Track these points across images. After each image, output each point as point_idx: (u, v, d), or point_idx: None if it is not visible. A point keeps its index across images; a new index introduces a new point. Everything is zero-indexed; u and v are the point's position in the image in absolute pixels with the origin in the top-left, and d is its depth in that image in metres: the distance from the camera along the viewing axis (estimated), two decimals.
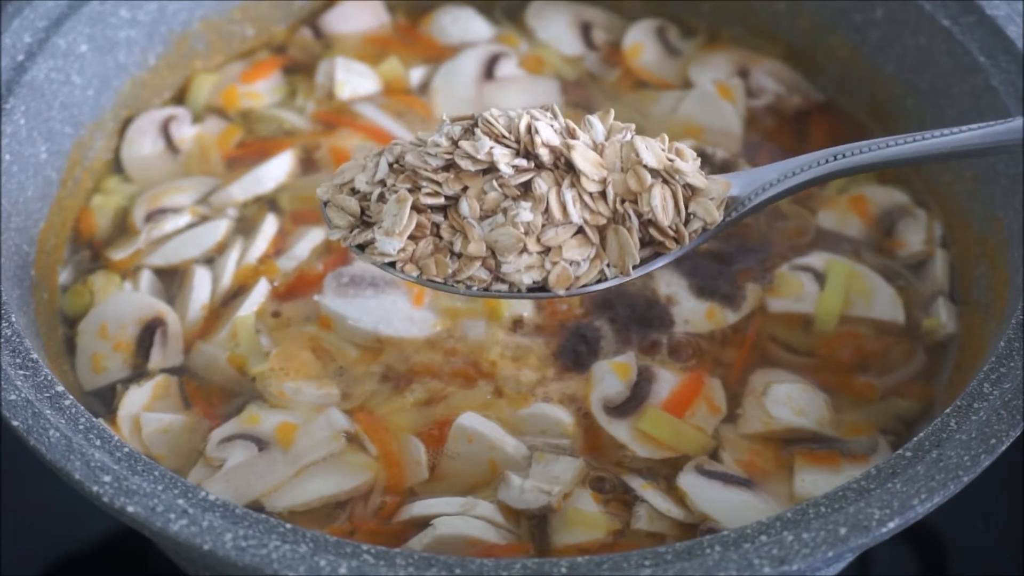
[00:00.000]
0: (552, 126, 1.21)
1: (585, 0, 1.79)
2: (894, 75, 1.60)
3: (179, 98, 1.69)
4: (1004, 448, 1.18)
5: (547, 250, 1.19)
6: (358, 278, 1.46)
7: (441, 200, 1.20)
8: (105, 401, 1.41)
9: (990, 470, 1.17)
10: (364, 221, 1.23)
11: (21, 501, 1.55)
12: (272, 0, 1.74)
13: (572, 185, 1.19)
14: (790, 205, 1.57)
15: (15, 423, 1.19)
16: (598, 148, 1.22)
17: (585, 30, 1.76)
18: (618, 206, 1.20)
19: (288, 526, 1.12)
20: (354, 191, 1.25)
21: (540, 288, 1.21)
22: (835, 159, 1.25)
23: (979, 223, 1.48)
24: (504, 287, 1.21)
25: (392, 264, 1.22)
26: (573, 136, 1.22)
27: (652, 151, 1.21)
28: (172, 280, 1.51)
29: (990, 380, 1.23)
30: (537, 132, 1.20)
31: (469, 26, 1.76)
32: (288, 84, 1.71)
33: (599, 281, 1.21)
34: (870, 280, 1.48)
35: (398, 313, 1.44)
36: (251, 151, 1.63)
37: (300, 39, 1.75)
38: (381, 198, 1.22)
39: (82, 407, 1.22)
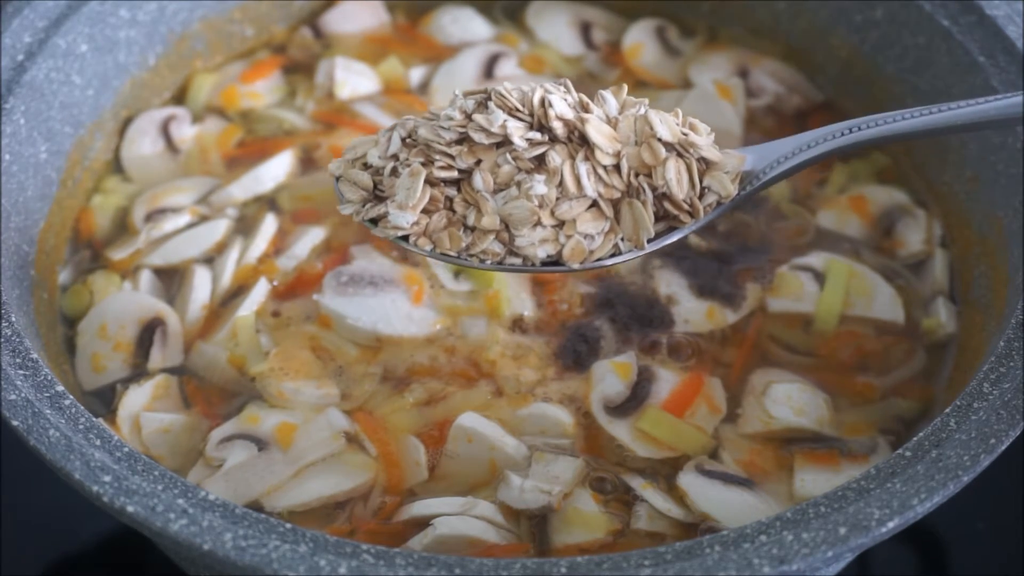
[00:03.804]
0: (566, 100, 1.21)
1: (585, 0, 1.79)
2: (894, 75, 1.60)
3: (179, 98, 1.70)
4: (1004, 448, 1.18)
5: (561, 224, 1.19)
6: (357, 277, 1.46)
7: (454, 173, 1.20)
8: (105, 401, 1.41)
9: (990, 470, 1.17)
10: (377, 195, 1.23)
11: (21, 501, 1.55)
12: (272, 0, 1.74)
13: (586, 158, 1.19)
14: (790, 205, 1.57)
15: (15, 423, 1.19)
16: (612, 122, 1.22)
17: (585, 30, 1.76)
18: (632, 180, 1.20)
19: (288, 526, 1.12)
20: (367, 166, 1.25)
21: (554, 262, 1.21)
22: (849, 132, 1.25)
23: (979, 223, 1.48)
24: (518, 261, 1.21)
25: (405, 238, 1.22)
26: (586, 110, 1.22)
27: (666, 124, 1.21)
28: (172, 280, 1.51)
29: (990, 380, 1.23)
30: (551, 105, 1.19)
31: (469, 26, 1.76)
32: (288, 84, 1.71)
33: (613, 255, 1.21)
34: (870, 280, 1.48)
35: (397, 312, 1.44)
36: (251, 151, 1.63)
37: (300, 39, 1.75)
38: (394, 172, 1.22)
39: (82, 407, 1.22)
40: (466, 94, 1.23)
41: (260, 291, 1.47)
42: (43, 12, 1.52)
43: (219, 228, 1.53)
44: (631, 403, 1.38)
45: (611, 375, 1.39)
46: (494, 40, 1.75)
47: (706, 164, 1.22)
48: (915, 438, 1.19)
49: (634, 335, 1.44)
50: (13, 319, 1.28)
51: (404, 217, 1.20)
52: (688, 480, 1.32)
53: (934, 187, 1.57)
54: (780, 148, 1.26)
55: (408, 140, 1.23)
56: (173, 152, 1.63)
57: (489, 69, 1.69)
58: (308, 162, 1.61)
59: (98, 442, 1.18)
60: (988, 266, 1.45)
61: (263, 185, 1.58)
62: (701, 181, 1.22)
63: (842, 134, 1.25)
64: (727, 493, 1.31)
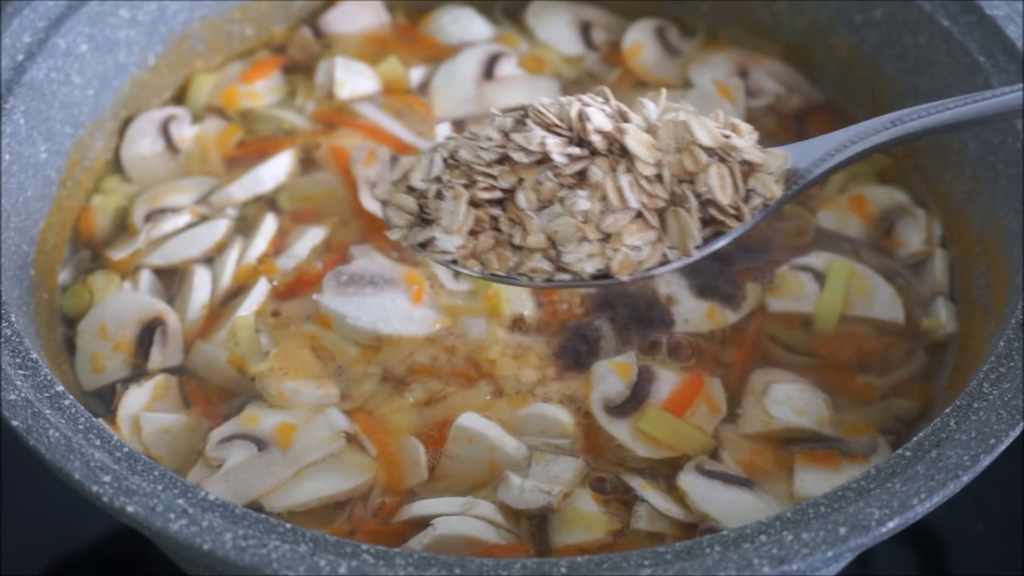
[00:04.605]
0: (604, 110, 1.20)
1: (585, 0, 1.79)
2: (894, 75, 1.60)
3: (179, 98, 1.70)
4: (1004, 448, 1.18)
5: (607, 237, 1.19)
6: (357, 277, 1.46)
7: (497, 194, 1.20)
8: (105, 401, 1.41)
9: (990, 470, 1.17)
10: (423, 218, 1.23)
11: (21, 501, 1.55)
12: (272, 0, 1.74)
13: (627, 170, 1.18)
14: (790, 205, 1.57)
15: (15, 423, 1.19)
16: (652, 129, 1.21)
17: (585, 30, 1.76)
18: (675, 188, 1.19)
19: (288, 526, 1.12)
20: (411, 189, 1.25)
21: (603, 276, 1.20)
22: (894, 125, 1.24)
23: (979, 223, 1.48)
24: (567, 277, 1.20)
25: (455, 261, 1.22)
26: (625, 119, 1.21)
27: (706, 129, 1.20)
28: (172, 280, 1.51)
29: (990, 380, 1.23)
30: (588, 119, 1.19)
31: (469, 26, 1.76)
32: (288, 84, 1.71)
33: (661, 264, 1.21)
34: (870, 280, 1.48)
35: (397, 311, 1.44)
36: (251, 151, 1.63)
37: (300, 39, 1.75)
38: (438, 195, 1.22)
39: (82, 407, 1.22)
40: (504, 111, 1.23)
41: (260, 291, 1.47)
42: (43, 12, 1.52)
43: (219, 228, 1.53)
44: (631, 403, 1.38)
45: (611, 375, 1.39)
46: (494, 40, 1.75)
47: (749, 166, 1.21)
48: (915, 438, 1.19)
49: (634, 335, 1.44)
50: (13, 319, 1.28)
51: (451, 241, 1.20)
52: (688, 480, 1.32)
53: (934, 187, 1.57)
54: (824, 144, 1.25)
55: (450, 161, 1.23)
56: (173, 152, 1.63)
57: (489, 69, 1.69)
58: (308, 162, 1.61)
59: (98, 442, 1.18)
60: (988, 266, 1.45)
61: (263, 185, 1.58)
62: (745, 183, 1.21)
63: (887, 128, 1.23)
64: (727, 493, 1.31)
